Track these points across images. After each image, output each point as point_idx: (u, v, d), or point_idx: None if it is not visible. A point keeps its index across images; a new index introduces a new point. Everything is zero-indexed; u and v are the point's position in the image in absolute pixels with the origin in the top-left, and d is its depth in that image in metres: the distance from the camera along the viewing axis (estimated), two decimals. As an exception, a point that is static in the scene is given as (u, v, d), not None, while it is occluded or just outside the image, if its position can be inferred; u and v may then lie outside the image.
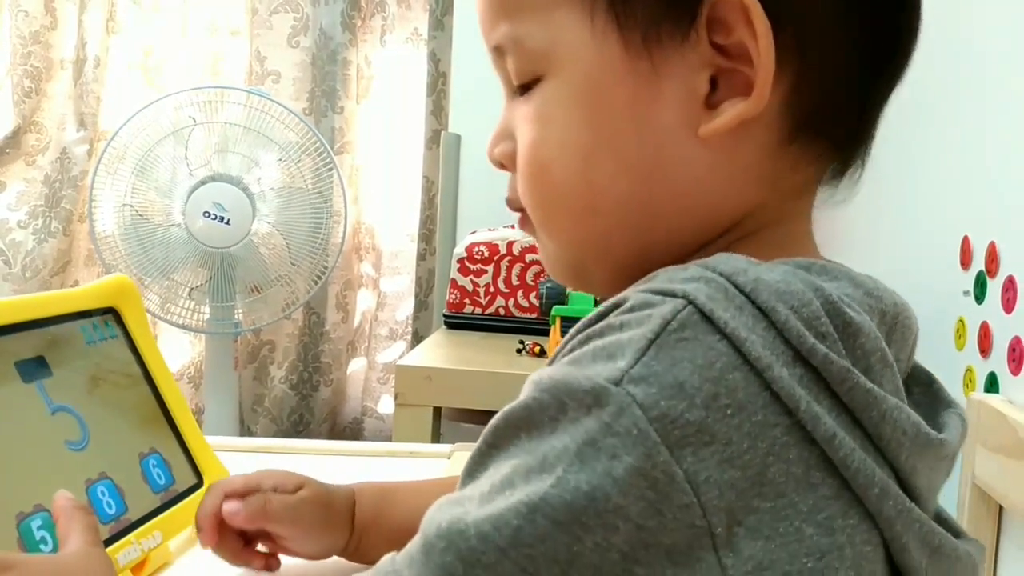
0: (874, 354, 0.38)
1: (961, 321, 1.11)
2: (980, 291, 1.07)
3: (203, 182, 2.02)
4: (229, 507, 0.60)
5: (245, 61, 2.43)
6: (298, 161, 2.08)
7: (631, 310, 0.37)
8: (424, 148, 2.45)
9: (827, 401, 0.36)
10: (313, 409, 2.52)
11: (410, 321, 2.52)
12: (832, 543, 0.35)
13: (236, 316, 2.14)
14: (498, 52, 0.44)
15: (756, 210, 0.43)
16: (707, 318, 0.35)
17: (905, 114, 1.60)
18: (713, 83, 0.41)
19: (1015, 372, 0.97)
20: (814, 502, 0.35)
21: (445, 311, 2.02)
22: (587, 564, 0.33)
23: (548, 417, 0.35)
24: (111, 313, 0.72)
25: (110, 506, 0.62)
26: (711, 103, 0.41)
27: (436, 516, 0.35)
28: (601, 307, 0.38)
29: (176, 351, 2.44)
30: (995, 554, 0.98)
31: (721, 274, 0.37)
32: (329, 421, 2.53)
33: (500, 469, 0.35)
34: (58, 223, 2.34)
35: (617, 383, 0.34)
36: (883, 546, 0.36)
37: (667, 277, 0.38)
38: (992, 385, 1.02)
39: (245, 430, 2.45)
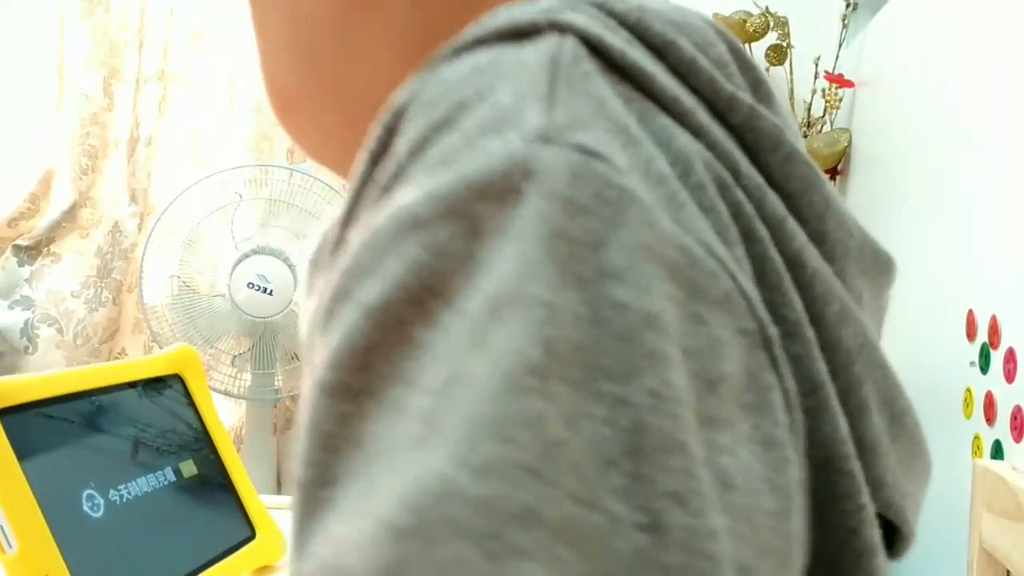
0: (788, 129, 0.28)
1: (969, 391, 1.16)
2: (984, 362, 1.12)
3: (247, 255, 2.12)
4: None
5: (288, 140, 2.55)
6: (338, 235, 2.18)
7: (473, 76, 0.23)
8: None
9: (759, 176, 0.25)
10: (347, 474, 2.58)
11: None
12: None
13: (276, 383, 2.22)
14: None
15: None
16: (597, 51, 0.24)
17: (912, 195, 1.68)
18: None
19: (1017, 439, 1.02)
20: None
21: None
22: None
23: (458, 252, 0.20)
24: (177, 379, 0.80)
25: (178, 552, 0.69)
26: None
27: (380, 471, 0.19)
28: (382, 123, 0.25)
29: (217, 417, 2.53)
30: (1004, 617, 1.01)
31: (589, 2, 0.26)
32: (363, 486, 2.58)
33: (422, 381, 0.20)
34: (108, 293, 2.45)
35: (546, 140, 0.20)
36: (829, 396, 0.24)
37: (500, 22, 0.25)
38: (998, 452, 1.07)
39: (283, 494, 2.51)
